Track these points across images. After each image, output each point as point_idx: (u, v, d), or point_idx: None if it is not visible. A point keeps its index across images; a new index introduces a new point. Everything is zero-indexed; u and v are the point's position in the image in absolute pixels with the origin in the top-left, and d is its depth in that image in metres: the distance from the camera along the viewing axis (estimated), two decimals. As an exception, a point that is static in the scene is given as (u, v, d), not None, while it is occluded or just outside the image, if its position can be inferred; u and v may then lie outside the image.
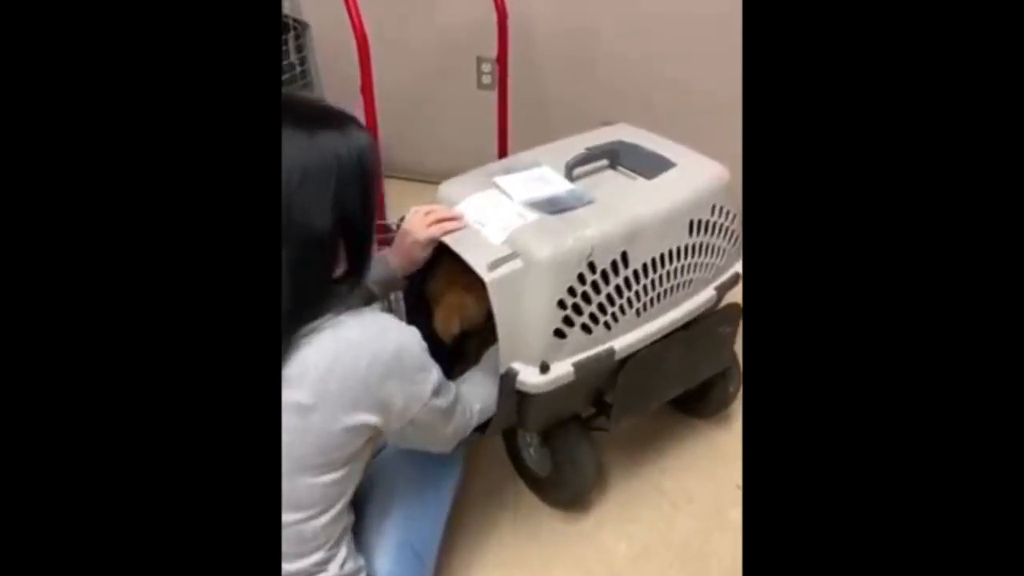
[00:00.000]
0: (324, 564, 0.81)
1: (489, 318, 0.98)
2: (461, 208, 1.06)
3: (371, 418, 0.76)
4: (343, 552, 0.84)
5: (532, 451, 1.31)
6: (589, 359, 1.04)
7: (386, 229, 1.50)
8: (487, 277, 0.95)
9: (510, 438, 1.35)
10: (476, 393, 1.00)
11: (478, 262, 0.96)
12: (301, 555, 0.78)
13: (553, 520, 1.30)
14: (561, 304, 0.99)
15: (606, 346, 1.06)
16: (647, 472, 1.39)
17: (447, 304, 1.06)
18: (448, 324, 1.05)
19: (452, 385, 0.92)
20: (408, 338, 0.79)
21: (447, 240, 1.01)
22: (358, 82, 1.45)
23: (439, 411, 0.86)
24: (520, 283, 0.97)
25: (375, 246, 0.83)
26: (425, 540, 0.99)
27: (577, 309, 1.01)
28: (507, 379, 1.01)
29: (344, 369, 0.73)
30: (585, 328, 1.03)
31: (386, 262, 1.04)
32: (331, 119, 0.76)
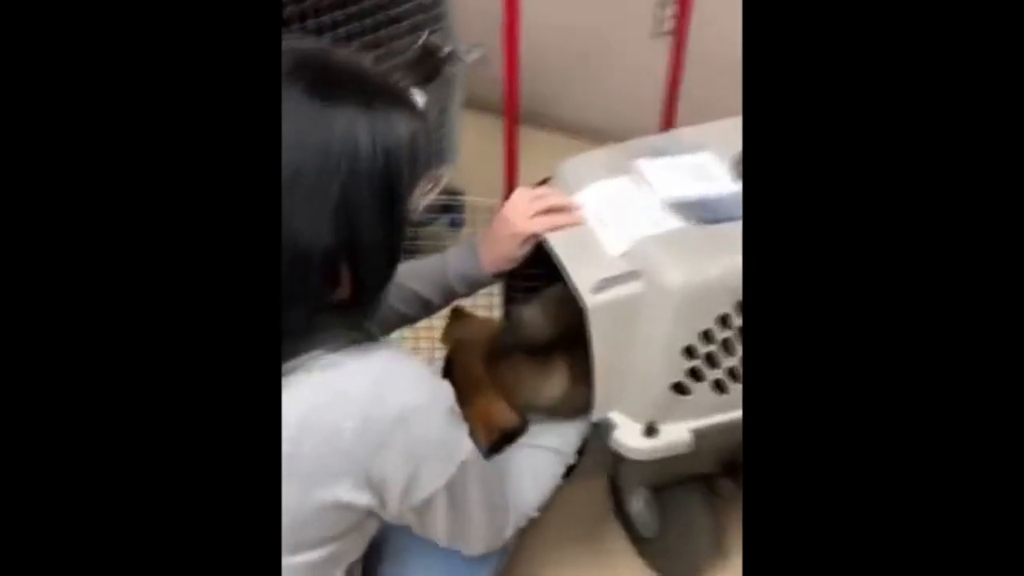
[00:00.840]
0: None
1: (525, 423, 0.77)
2: (582, 197, 0.81)
3: (359, 497, 0.55)
4: None
5: (639, 503, 1.06)
6: (717, 428, 0.77)
7: None
8: (589, 301, 0.70)
9: (615, 480, 1.11)
10: (514, 487, 0.74)
11: (582, 279, 0.71)
12: None
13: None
14: (689, 352, 0.72)
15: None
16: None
17: (472, 413, 0.80)
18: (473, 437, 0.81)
19: (489, 466, 0.68)
20: (426, 398, 0.56)
21: (551, 241, 0.76)
22: (501, 18, 1.20)
23: (462, 504, 0.62)
24: (635, 314, 0.71)
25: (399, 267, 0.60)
26: None
27: (711, 360, 0.74)
28: (599, 430, 0.77)
29: (323, 429, 0.52)
30: (719, 386, 0.75)
31: (474, 252, 0.82)
32: (363, 91, 0.52)
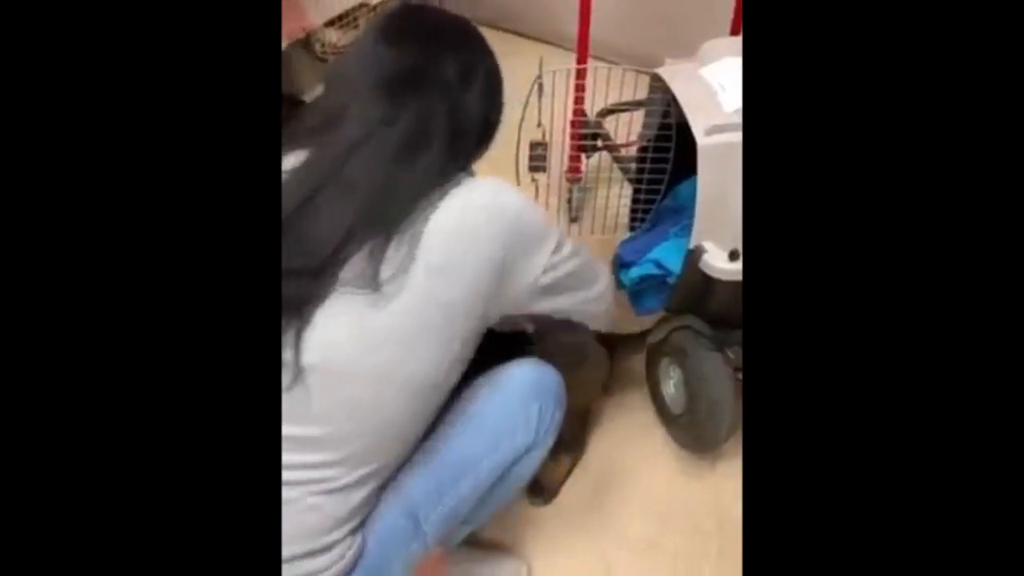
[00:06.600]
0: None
1: None
2: (709, 69, 0.98)
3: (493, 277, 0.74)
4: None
5: (672, 385, 1.21)
6: (790, 265, 0.94)
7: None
8: (700, 141, 0.89)
9: (652, 363, 1.25)
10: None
11: (698, 124, 0.90)
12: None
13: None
14: (775, 194, 0.90)
15: (817, 258, 0.94)
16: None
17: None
18: None
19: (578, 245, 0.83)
20: (529, 203, 0.77)
21: (675, 90, 0.95)
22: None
23: (572, 255, 0.80)
24: (736, 158, 0.89)
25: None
26: (425, 497, 0.81)
27: (793, 206, 0.90)
28: (692, 255, 0.96)
29: (463, 231, 0.73)
30: (797, 230, 0.92)
31: None
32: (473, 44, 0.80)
